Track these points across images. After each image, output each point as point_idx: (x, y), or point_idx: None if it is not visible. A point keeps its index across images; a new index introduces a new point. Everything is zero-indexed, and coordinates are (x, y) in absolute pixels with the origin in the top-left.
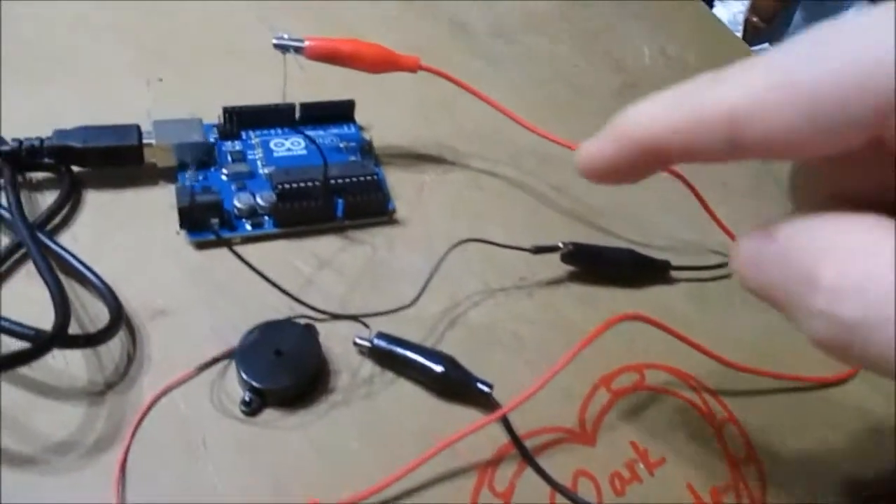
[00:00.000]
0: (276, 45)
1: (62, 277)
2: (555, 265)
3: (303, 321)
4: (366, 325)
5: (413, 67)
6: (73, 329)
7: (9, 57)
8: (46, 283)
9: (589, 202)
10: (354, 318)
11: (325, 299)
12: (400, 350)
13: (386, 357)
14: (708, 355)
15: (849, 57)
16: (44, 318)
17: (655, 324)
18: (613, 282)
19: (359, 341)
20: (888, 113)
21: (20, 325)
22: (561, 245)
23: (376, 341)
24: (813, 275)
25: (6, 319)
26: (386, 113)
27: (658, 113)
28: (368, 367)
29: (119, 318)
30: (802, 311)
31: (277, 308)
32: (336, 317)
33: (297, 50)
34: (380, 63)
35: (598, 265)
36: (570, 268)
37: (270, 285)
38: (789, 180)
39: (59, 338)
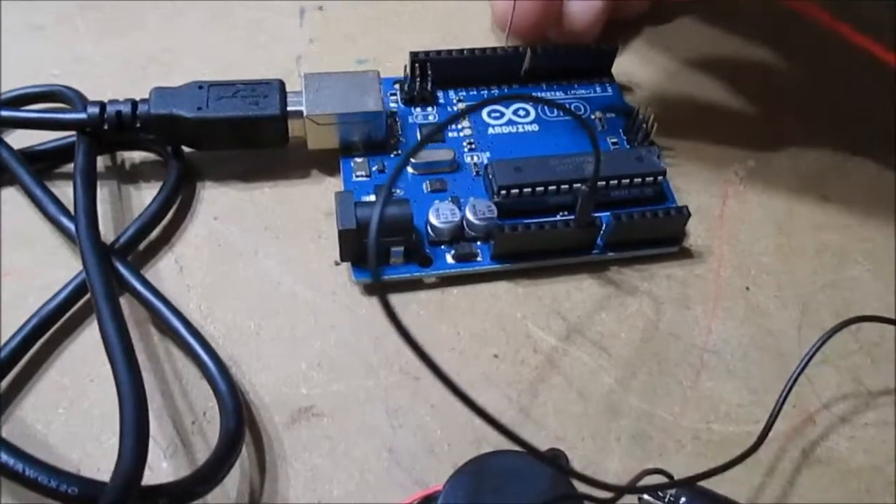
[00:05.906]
0: None
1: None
2: None
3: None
4: (667, 475)
5: None
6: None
7: None
8: (119, 390)
9: None
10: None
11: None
12: None
13: None
14: None
15: None
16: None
17: None
18: None
19: (650, 500)
20: None
21: (59, 475)
22: None
23: None
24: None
25: (38, 466)
26: (655, 63)
27: None
28: None
29: (237, 440)
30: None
31: (503, 411)
32: (613, 491)
33: None
34: None
35: None
36: None
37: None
38: None
39: (127, 500)
